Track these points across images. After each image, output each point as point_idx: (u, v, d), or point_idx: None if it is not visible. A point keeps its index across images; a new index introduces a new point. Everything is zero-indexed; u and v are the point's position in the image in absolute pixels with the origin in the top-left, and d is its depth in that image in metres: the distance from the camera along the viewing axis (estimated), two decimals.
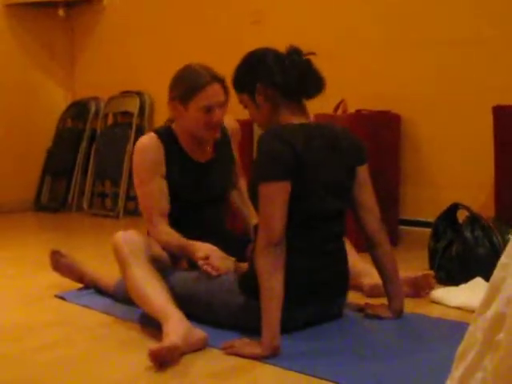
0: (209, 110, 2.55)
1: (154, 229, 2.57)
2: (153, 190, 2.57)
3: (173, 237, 2.53)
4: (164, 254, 2.56)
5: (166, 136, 2.64)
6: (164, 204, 2.58)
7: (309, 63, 2.31)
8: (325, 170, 2.27)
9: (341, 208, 2.38)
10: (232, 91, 2.49)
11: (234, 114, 2.83)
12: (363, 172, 2.42)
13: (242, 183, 2.90)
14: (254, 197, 2.22)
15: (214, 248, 2.42)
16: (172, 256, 2.57)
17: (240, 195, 2.90)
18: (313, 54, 2.32)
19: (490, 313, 1.23)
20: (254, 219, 2.70)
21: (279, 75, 2.28)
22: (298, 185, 2.18)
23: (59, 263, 2.99)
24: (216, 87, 2.56)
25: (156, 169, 2.58)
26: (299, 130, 2.25)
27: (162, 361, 2.02)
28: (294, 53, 2.31)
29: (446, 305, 2.66)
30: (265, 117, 2.34)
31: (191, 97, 2.54)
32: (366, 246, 2.47)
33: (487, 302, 1.26)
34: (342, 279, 2.41)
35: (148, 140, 2.63)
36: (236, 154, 2.90)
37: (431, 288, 2.78)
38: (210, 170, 2.72)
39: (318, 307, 2.35)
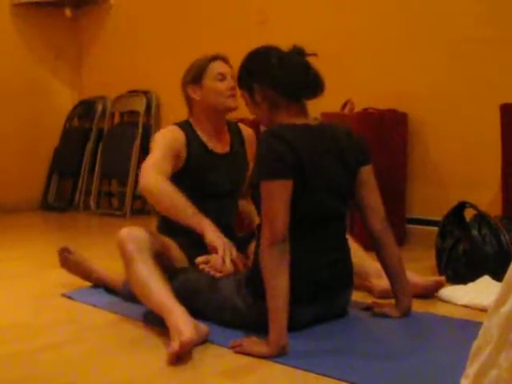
0: (222, 77, 2.74)
1: (149, 173, 2.51)
2: (164, 152, 2.61)
3: (180, 196, 2.46)
4: (175, 251, 2.61)
5: (186, 127, 2.78)
6: (167, 167, 2.58)
7: (307, 64, 2.29)
8: (326, 171, 2.26)
9: (342, 209, 2.38)
10: None
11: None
12: (367, 172, 2.40)
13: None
14: (255, 196, 2.22)
15: (227, 242, 2.42)
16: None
17: (247, 205, 2.89)
18: (314, 55, 2.31)
19: (505, 309, 1.23)
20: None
21: (277, 75, 2.27)
22: (299, 185, 2.17)
23: (68, 260, 3.00)
24: (221, 62, 2.78)
25: (173, 144, 2.67)
26: (300, 131, 2.24)
27: (182, 356, 2.04)
28: (296, 53, 2.30)
29: (454, 303, 2.65)
30: (264, 115, 2.34)
31: (203, 73, 2.75)
32: (372, 246, 2.47)
33: (502, 299, 1.25)
34: (345, 277, 2.40)
35: (170, 128, 2.79)
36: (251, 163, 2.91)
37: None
38: (226, 162, 2.80)
39: (323, 306, 2.34)
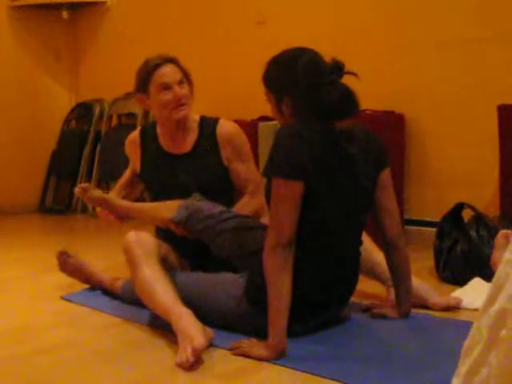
0: (166, 88, 2.64)
1: None
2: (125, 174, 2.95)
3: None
4: (172, 256, 2.59)
5: (149, 131, 2.83)
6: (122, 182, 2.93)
7: (348, 88, 2.15)
8: (346, 175, 2.19)
9: (362, 218, 2.32)
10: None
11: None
12: (386, 175, 2.36)
13: (253, 202, 2.72)
14: (268, 192, 2.14)
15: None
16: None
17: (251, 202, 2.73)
18: (354, 74, 2.16)
19: (493, 309, 1.25)
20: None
21: (312, 94, 2.15)
22: (313, 189, 2.10)
23: (66, 264, 2.99)
24: (168, 67, 2.66)
25: (127, 150, 2.90)
26: (321, 132, 2.15)
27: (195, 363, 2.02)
28: (336, 71, 2.15)
29: (466, 309, 2.60)
30: (286, 123, 2.21)
31: (148, 82, 2.66)
32: (383, 248, 2.44)
33: (491, 299, 1.27)
34: (351, 288, 2.38)
35: (130, 137, 2.89)
36: (234, 163, 2.74)
37: None
38: (184, 162, 2.74)
39: (324, 317, 2.33)
